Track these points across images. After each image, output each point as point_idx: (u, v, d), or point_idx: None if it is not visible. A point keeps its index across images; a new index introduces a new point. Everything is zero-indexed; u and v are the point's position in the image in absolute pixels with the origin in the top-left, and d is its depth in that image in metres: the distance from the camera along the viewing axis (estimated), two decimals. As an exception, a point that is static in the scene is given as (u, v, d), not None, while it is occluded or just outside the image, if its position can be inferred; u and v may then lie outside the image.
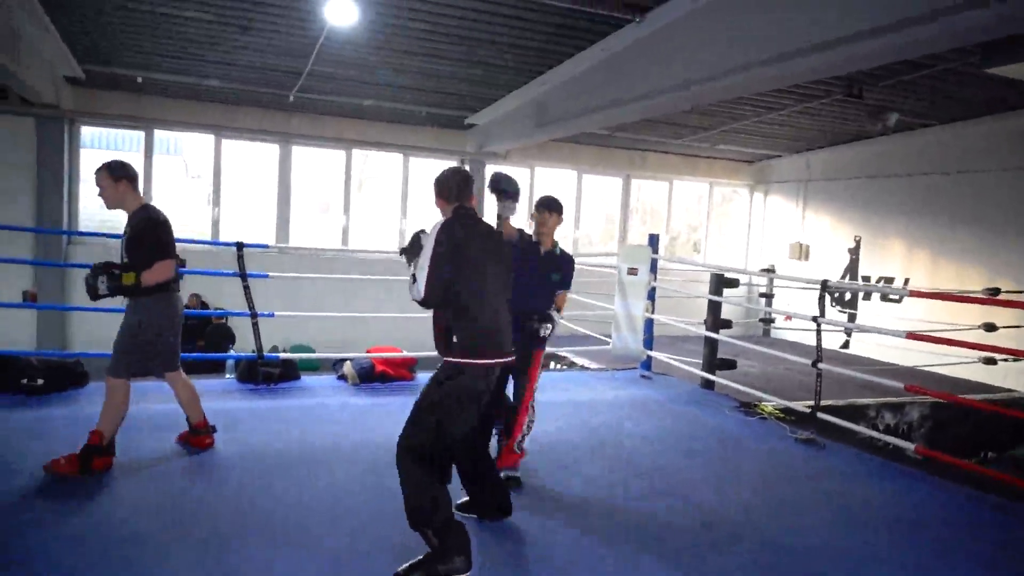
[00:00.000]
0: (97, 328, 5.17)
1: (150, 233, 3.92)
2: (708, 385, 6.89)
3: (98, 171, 4.00)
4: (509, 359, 3.20)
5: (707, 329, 6.93)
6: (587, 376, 7.40)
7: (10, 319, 9.30)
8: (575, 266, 4.29)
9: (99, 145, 11.10)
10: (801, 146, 13.43)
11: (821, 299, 5.60)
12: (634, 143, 13.21)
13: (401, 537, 3.11)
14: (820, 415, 5.43)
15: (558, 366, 9.07)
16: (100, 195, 4.03)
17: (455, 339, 3.05)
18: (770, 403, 6.11)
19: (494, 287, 3.16)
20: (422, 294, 2.97)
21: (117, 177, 3.95)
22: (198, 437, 4.35)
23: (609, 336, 7.50)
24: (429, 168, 12.51)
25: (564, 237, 13.80)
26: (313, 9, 6.75)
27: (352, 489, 3.86)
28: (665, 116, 10.46)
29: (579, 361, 8.83)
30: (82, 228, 10.51)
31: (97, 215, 10.54)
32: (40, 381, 5.37)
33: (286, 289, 10.13)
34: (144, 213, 3.96)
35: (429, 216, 12.51)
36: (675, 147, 13.48)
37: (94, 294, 3.82)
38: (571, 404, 6.00)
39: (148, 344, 3.95)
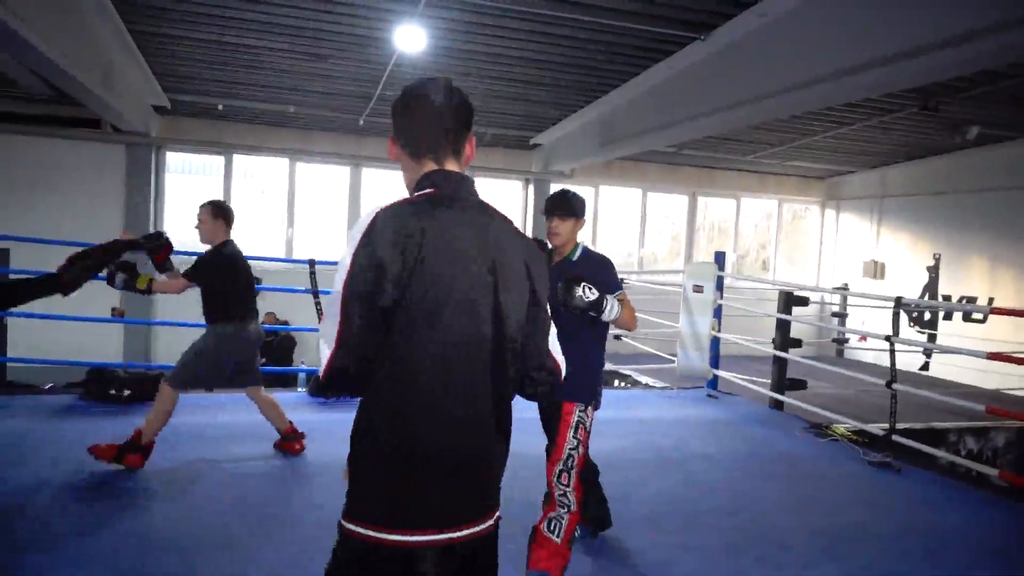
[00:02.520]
0: (177, 343, 5.47)
1: (205, 262, 4.31)
2: (777, 405, 6.73)
3: (204, 205, 4.43)
4: (466, 533, 1.52)
5: (775, 348, 6.78)
6: (652, 395, 7.33)
7: (100, 334, 9.86)
8: (611, 264, 3.21)
9: (183, 170, 11.69)
10: (875, 161, 13.04)
11: (895, 317, 5.42)
12: (700, 160, 13.08)
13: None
14: (896, 438, 5.23)
15: (622, 384, 9.01)
16: (197, 227, 4.43)
17: (354, 466, 1.56)
18: (843, 425, 5.92)
19: (471, 356, 1.53)
20: (322, 368, 1.50)
21: (217, 215, 4.38)
22: (288, 443, 4.62)
23: (674, 355, 7.43)
24: (494, 189, 12.69)
25: (629, 255, 13.76)
26: (383, 37, 6.99)
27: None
28: (732, 133, 10.35)
29: (643, 379, 8.75)
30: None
31: (177, 237, 11.09)
32: (127, 392, 5.69)
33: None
34: (219, 248, 4.35)
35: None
36: (743, 164, 13.28)
37: (110, 282, 4.19)
38: (636, 422, 5.95)
39: (210, 366, 4.28)
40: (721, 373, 7.22)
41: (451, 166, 1.63)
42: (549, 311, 1.72)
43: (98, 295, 5.91)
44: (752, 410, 6.71)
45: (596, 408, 3.15)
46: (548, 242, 3.17)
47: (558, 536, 2.93)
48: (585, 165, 12.19)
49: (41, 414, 5.27)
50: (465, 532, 1.51)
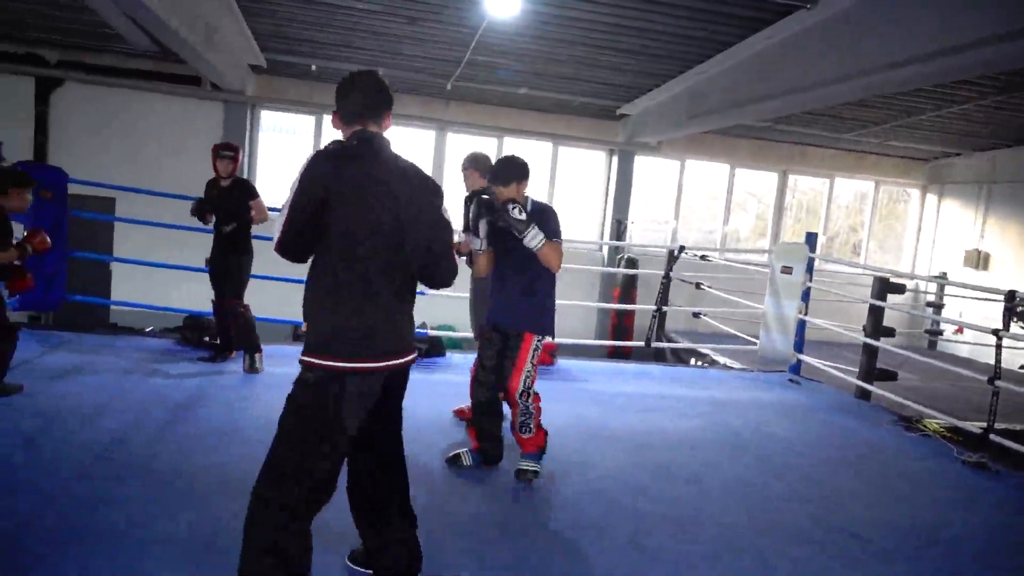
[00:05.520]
0: (266, 292, 5.78)
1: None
2: (863, 395, 6.47)
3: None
4: (396, 363, 2.31)
5: (866, 336, 6.51)
6: (730, 376, 7.16)
7: (195, 284, 10.32)
8: (554, 214, 3.71)
9: (275, 129, 12.02)
10: (985, 143, 12.20)
11: (1007, 312, 5.11)
12: (794, 136, 12.55)
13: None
14: (994, 438, 4.95)
15: (699, 363, 8.85)
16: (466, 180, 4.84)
17: (307, 326, 2.31)
18: (935, 420, 5.65)
19: (382, 268, 2.25)
20: (275, 237, 2.21)
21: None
22: None
23: (755, 336, 7.23)
24: (578, 158, 12.55)
25: (711, 232, 13.42)
26: (475, 1, 6.94)
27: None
28: (829, 108, 9.86)
29: (721, 359, 8.57)
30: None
31: (269, 195, 11.49)
32: (219, 340, 5.96)
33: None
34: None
35: (577, 205, 12.60)
36: (839, 142, 12.67)
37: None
38: (711, 402, 5.84)
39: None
40: (805, 358, 6.99)
41: (373, 129, 2.35)
42: (451, 222, 2.49)
43: (194, 247, 6.19)
44: (836, 398, 6.47)
45: (552, 339, 3.91)
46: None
47: (529, 432, 3.73)
48: (672, 138, 11.89)
49: (143, 353, 5.62)
50: (382, 365, 2.28)
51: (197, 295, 6.35)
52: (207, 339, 5.99)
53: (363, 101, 2.33)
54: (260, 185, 11.31)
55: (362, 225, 2.20)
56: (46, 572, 2.53)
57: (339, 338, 2.21)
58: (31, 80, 10.34)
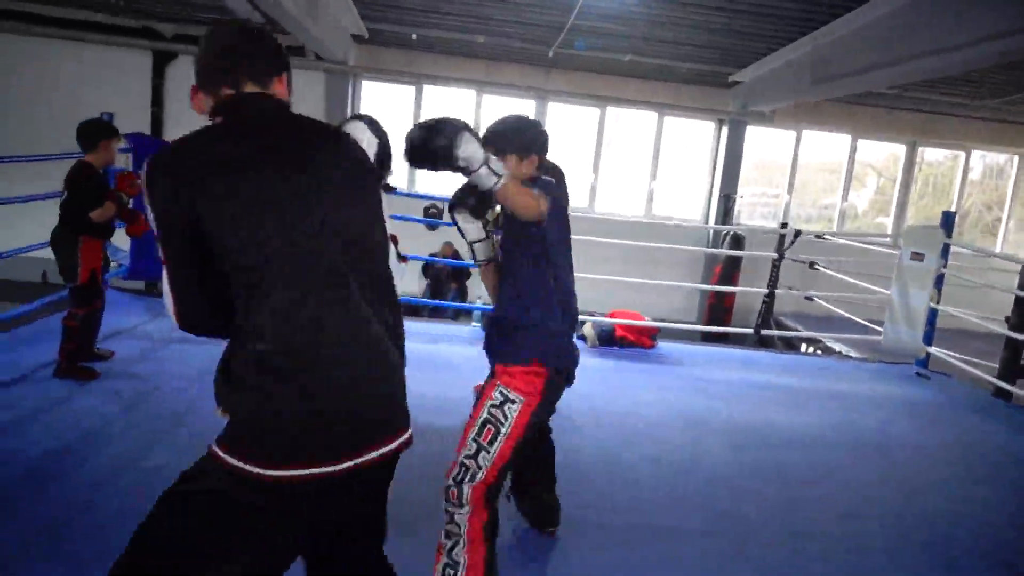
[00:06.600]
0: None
1: None
2: (1003, 395, 5.81)
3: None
4: (366, 459, 1.43)
5: (1009, 328, 5.82)
6: (849, 366, 6.61)
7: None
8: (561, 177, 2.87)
9: (373, 100, 12.02)
10: None
11: None
12: (925, 104, 11.46)
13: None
14: None
15: (813, 350, 8.27)
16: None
17: (223, 394, 1.50)
18: (1092, 428, 4.98)
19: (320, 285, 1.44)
20: (171, 312, 1.47)
21: None
22: None
23: (875, 322, 6.64)
24: (684, 128, 11.96)
25: (825, 208, 12.56)
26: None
27: (593, 454, 3.75)
28: (966, 74, 8.86)
29: (837, 347, 7.96)
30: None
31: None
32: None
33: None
34: None
35: (679, 180, 12.06)
36: (977, 110, 11.47)
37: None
38: (828, 395, 5.37)
39: None
40: (935, 350, 6.35)
41: (250, 88, 1.57)
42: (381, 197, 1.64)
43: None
44: (971, 397, 5.84)
45: (557, 373, 2.29)
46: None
47: None
48: (788, 107, 11.09)
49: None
50: (317, 472, 1.42)
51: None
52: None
53: (230, 51, 1.57)
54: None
55: (255, 234, 1.39)
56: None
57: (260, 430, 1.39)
58: (148, 54, 10.73)
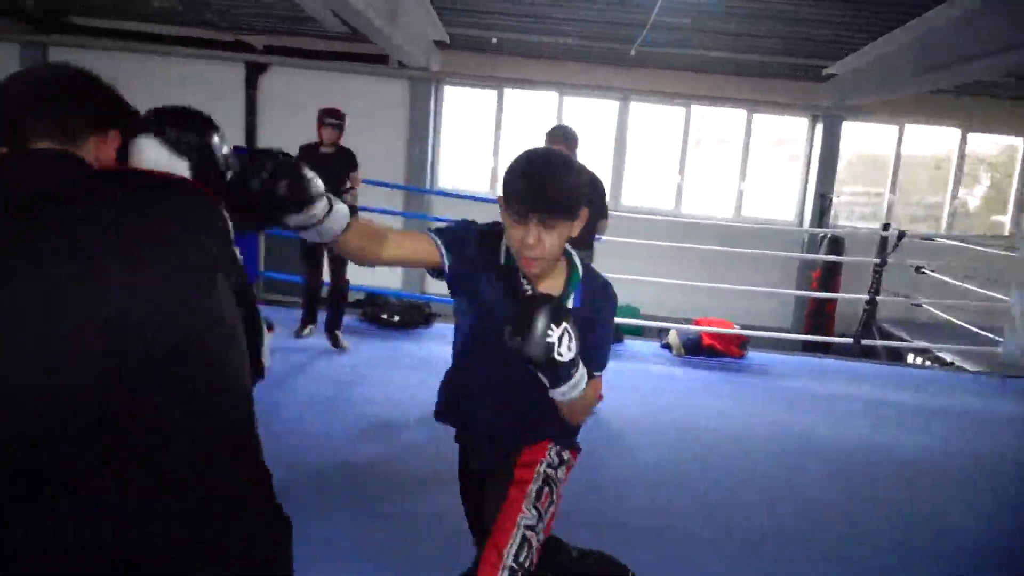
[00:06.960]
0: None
1: None
2: None
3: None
4: None
5: None
6: (964, 379, 6.07)
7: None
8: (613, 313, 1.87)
9: (454, 106, 12.05)
10: None
11: None
12: (1047, 93, 10.52)
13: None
14: None
15: (920, 361, 7.68)
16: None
17: None
18: None
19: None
20: None
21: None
22: None
23: (987, 329, 6.08)
24: (775, 125, 11.43)
25: (931, 207, 11.75)
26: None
27: (670, 470, 3.52)
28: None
29: (948, 358, 7.35)
30: (440, 181, 11.60)
31: (453, 170, 11.70)
32: (396, 318, 5.97)
33: (614, 248, 10.03)
34: None
35: (771, 180, 11.52)
36: (1110, 97, 10.45)
37: None
38: (944, 414, 4.92)
39: None
40: (1063, 363, 5.75)
41: (42, 144, 1.19)
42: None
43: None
44: (1109, 416, 5.24)
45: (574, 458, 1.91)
46: (519, 264, 1.65)
47: None
48: (890, 99, 10.40)
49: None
50: None
51: (383, 275, 6.46)
52: (384, 317, 6.02)
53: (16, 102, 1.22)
54: (442, 161, 11.62)
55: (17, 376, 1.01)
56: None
57: None
58: (242, 66, 11.12)
